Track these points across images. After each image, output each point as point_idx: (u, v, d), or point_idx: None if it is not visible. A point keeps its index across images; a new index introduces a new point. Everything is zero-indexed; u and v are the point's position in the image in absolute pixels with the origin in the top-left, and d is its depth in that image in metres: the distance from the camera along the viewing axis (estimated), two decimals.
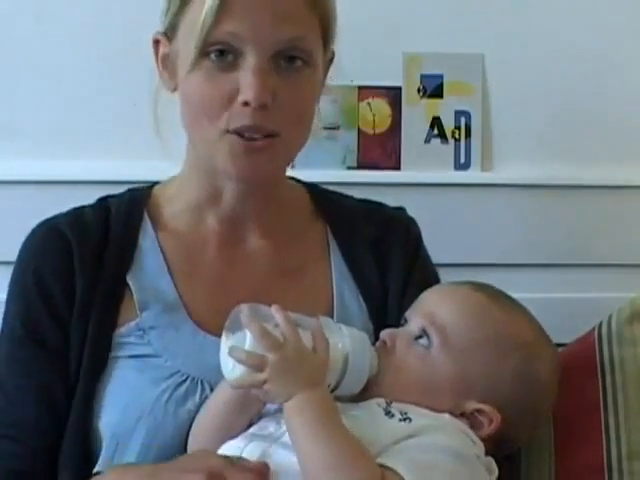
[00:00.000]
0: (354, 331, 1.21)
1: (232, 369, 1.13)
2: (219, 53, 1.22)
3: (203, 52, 1.22)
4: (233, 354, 1.12)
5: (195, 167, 1.34)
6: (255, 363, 1.11)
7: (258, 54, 1.21)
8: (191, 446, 1.22)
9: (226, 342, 1.15)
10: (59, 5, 1.78)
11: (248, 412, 1.19)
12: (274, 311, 1.14)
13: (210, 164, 1.29)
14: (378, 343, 1.23)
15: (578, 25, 1.85)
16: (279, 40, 1.22)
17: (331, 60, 1.34)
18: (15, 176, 1.76)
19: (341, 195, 1.46)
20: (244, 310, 1.14)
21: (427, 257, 1.44)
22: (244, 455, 1.14)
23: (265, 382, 1.11)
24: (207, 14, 1.20)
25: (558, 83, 1.85)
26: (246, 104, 1.21)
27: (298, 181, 1.44)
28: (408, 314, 1.25)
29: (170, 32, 1.27)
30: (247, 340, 1.12)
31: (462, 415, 1.19)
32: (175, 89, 1.29)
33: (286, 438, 1.13)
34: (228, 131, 1.24)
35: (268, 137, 1.24)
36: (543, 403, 1.26)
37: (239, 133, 1.23)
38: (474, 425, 1.19)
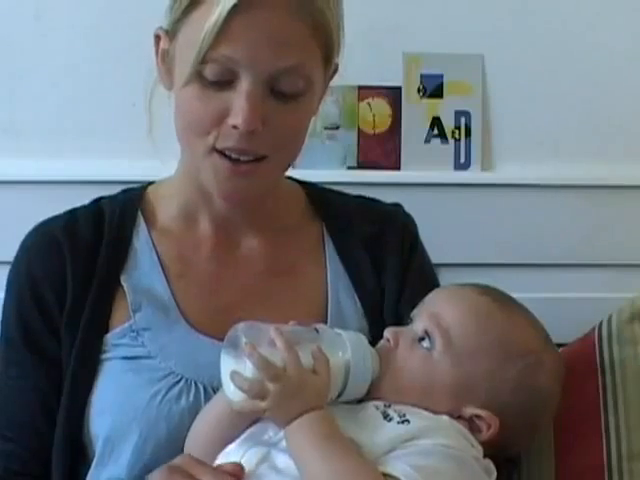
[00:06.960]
0: (352, 335, 1.20)
1: (233, 391, 1.13)
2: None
3: (198, 69, 1.20)
4: (235, 381, 1.12)
5: (188, 170, 1.33)
6: (257, 393, 1.11)
7: (253, 79, 1.19)
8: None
9: (226, 362, 1.14)
10: (59, 5, 1.78)
11: (246, 421, 1.18)
12: (273, 335, 1.13)
13: (198, 176, 1.28)
14: (381, 341, 1.23)
15: (578, 25, 1.85)
16: (276, 67, 1.20)
17: (334, 72, 1.31)
18: (15, 176, 1.77)
19: (338, 193, 1.45)
20: (241, 332, 1.13)
21: (424, 255, 1.43)
22: (244, 461, 1.14)
23: (266, 410, 1.12)
24: (206, 35, 1.17)
25: (558, 83, 1.85)
26: (235, 127, 1.20)
27: (295, 180, 1.43)
28: (414, 314, 1.24)
29: (171, 33, 1.26)
30: (248, 368, 1.12)
31: (460, 418, 1.18)
32: (170, 88, 1.28)
33: (284, 443, 1.13)
34: (215, 149, 1.23)
35: (255, 160, 1.23)
36: (544, 410, 1.25)
37: (225, 153, 1.22)
38: (472, 429, 1.18)
